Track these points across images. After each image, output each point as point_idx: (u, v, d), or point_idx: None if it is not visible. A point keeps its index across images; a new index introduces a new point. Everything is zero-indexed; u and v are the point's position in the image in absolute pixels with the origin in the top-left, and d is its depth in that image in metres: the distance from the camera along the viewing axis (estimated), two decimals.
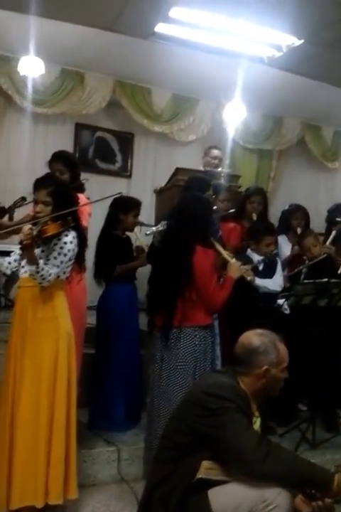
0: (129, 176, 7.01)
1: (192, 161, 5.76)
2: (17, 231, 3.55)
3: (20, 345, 2.72)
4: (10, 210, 4.44)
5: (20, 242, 2.53)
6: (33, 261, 2.55)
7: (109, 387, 3.67)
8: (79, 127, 6.80)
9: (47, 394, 2.66)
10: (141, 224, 4.03)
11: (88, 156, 6.80)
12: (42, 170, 3.41)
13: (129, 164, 7.01)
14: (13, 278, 5.37)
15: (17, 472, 2.63)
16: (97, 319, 3.87)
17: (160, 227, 3.24)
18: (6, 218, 4.43)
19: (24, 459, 2.64)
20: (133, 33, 4.65)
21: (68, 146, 6.29)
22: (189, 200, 3.26)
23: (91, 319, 3.92)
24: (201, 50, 4.98)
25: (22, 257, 2.75)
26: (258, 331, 2.31)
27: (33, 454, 2.63)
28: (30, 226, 2.53)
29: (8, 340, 2.85)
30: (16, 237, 4.57)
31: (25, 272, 2.72)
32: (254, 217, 4.29)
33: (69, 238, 2.74)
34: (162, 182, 5.13)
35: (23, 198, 3.69)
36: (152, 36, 4.70)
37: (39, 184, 2.77)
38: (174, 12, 4.28)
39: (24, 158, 6.43)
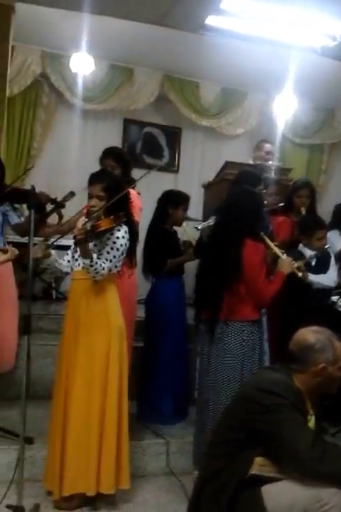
0: (176, 171, 7.02)
1: (240, 155, 5.71)
2: (71, 226, 3.66)
3: (74, 337, 2.78)
4: (59, 206, 4.51)
5: (75, 237, 2.58)
6: (86, 255, 2.60)
7: (158, 381, 3.70)
8: (128, 123, 6.87)
9: (100, 385, 2.71)
10: (189, 219, 4.03)
11: (136, 151, 6.86)
12: (92, 166, 3.46)
13: (176, 159, 7.02)
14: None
15: (69, 460, 2.71)
16: (146, 313, 3.91)
17: (211, 221, 3.23)
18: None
19: (77, 448, 2.71)
20: (184, 26, 4.64)
21: (116, 141, 6.36)
22: (239, 194, 3.23)
23: (140, 313, 3.96)
24: (252, 42, 4.91)
25: (76, 250, 2.81)
26: (314, 327, 2.26)
27: (85, 443, 2.70)
28: (84, 221, 2.57)
29: (61, 331, 2.91)
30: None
31: (79, 264, 2.78)
32: (303, 211, 4.20)
33: (122, 233, 2.78)
34: (209, 176, 5.11)
35: (72, 193, 3.74)
36: (202, 29, 4.67)
37: (93, 179, 2.82)
38: (225, 3, 4.24)
39: (74, 155, 6.56)
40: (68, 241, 3.82)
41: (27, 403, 2.53)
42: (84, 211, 3.35)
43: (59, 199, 4.37)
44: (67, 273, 2.96)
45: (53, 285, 5.79)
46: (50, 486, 2.81)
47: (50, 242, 2.93)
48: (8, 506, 2.54)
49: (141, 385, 3.72)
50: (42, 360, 3.93)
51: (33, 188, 2.68)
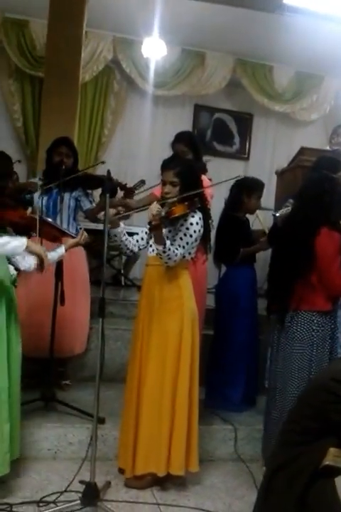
0: (247, 158, 6.92)
1: (314, 140, 5.55)
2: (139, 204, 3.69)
3: (148, 322, 2.81)
4: (129, 193, 4.56)
5: (149, 223, 2.58)
6: (160, 241, 2.60)
7: (228, 369, 3.68)
8: (198, 109, 6.84)
9: (172, 369, 2.73)
10: (262, 208, 3.95)
11: (206, 138, 6.82)
12: (162, 153, 3.46)
13: (247, 146, 6.92)
14: (133, 258, 5.63)
15: (142, 441, 2.76)
16: (216, 302, 3.89)
17: (290, 207, 3.14)
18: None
19: (149, 429, 2.75)
20: (261, 6, 4.52)
21: (187, 128, 6.32)
22: (316, 179, 3.11)
23: (209, 301, 3.94)
24: (332, 22, 4.69)
25: (149, 236, 2.82)
26: None
27: (157, 425, 2.74)
28: (158, 207, 2.57)
29: (135, 316, 2.95)
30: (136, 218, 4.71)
31: (153, 250, 2.79)
32: None
33: (196, 219, 2.76)
34: (281, 164, 4.99)
35: (143, 181, 3.75)
36: (280, 9, 4.52)
37: (167, 165, 2.81)
38: None
39: (144, 141, 6.62)
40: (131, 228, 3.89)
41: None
42: (155, 193, 3.38)
43: (129, 186, 4.42)
44: (132, 251, 2.95)
45: (122, 271, 5.89)
46: (123, 465, 2.88)
47: (120, 214, 2.93)
48: (81, 482, 2.63)
49: (210, 373, 3.71)
50: (113, 344, 4.01)
51: (109, 172, 2.70)
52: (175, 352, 2.74)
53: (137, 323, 2.89)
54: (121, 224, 2.87)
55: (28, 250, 2.41)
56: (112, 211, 2.86)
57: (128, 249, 2.92)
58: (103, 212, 2.70)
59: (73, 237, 3.02)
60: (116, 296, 5.12)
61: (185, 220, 2.75)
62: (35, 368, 3.53)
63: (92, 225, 4.40)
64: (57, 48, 4.58)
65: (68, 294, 3.22)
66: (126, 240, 2.88)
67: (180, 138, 3.60)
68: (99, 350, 2.58)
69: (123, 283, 5.82)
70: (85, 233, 2.98)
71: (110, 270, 5.75)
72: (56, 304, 3.23)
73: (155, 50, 5.97)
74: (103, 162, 3.70)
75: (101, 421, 3.03)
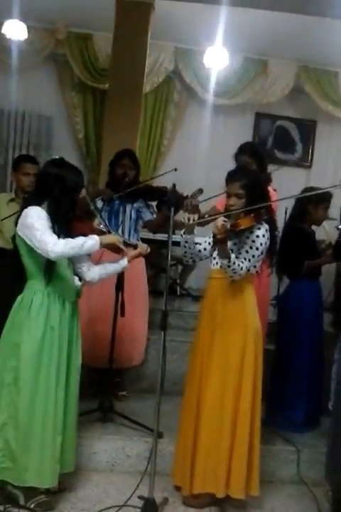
0: (309, 166, 6.74)
1: None
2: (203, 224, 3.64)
3: (209, 337, 2.73)
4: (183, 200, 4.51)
5: (214, 236, 2.52)
6: (225, 255, 2.53)
7: (290, 387, 3.53)
8: (259, 117, 6.73)
9: (234, 387, 2.64)
10: (329, 218, 3.79)
11: (267, 146, 6.70)
12: (221, 162, 3.40)
13: (310, 154, 6.73)
14: (189, 267, 5.59)
15: (200, 459, 2.67)
16: (279, 316, 3.75)
17: None
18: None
19: (208, 447, 2.67)
20: (327, 13, 4.36)
21: (247, 136, 6.25)
22: None
23: (270, 314, 3.82)
24: None
25: (213, 248, 2.76)
26: None
27: (216, 443, 2.65)
28: (223, 219, 2.50)
29: (193, 328, 2.90)
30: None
31: (217, 263, 2.72)
32: None
33: (262, 232, 2.67)
34: None
35: (200, 190, 3.69)
36: None
37: (232, 177, 2.73)
38: None
39: (203, 150, 6.56)
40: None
41: (154, 397, 2.54)
42: (218, 207, 3.31)
43: (187, 196, 4.36)
44: (194, 261, 2.89)
45: (178, 281, 5.85)
46: (180, 482, 2.81)
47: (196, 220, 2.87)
48: (140, 497, 2.59)
49: (272, 390, 3.58)
50: (170, 356, 3.87)
51: (174, 186, 2.68)
52: (238, 369, 2.65)
53: (197, 337, 2.82)
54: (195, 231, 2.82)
55: (103, 244, 2.47)
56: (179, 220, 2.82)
57: (192, 258, 2.86)
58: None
59: (135, 248, 3.00)
60: (171, 306, 5.08)
61: (251, 233, 2.67)
62: (93, 376, 3.56)
63: (151, 235, 4.39)
64: (122, 60, 4.64)
65: (128, 305, 3.21)
66: (194, 248, 2.83)
67: (244, 149, 3.52)
68: (160, 364, 2.53)
69: (178, 293, 5.77)
70: (144, 245, 2.95)
71: (163, 280, 5.73)
72: (116, 315, 3.23)
73: (217, 59, 5.92)
74: (175, 169, 3.65)
75: (159, 435, 2.98)
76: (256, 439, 2.73)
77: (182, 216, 2.79)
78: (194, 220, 2.69)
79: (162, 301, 2.59)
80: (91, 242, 2.41)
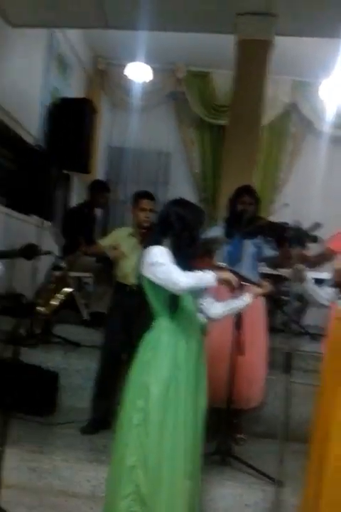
0: None
1: None
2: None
3: (332, 382, 2.56)
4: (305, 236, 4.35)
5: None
6: None
7: None
8: None
9: None
10: None
11: None
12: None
13: None
14: (305, 302, 5.35)
15: None
16: None
17: None
18: None
19: (330, 507, 2.46)
20: None
21: None
22: None
23: None
24: None
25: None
26: None
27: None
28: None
29: (313, 370, 2.74)
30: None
31: None
32: None
33: None
34: None
35: (318, 224, 3.53)
36: None
37: None
38: None
39: (319, 183, 6.36)
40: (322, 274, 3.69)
41: (273, 443, 2.42)
42: (332, 247, 3.15)
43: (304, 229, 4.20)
44: (323, 305, 2.76)
45: (294, 318, 5.62)
46: None
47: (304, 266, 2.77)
48: None
49: None
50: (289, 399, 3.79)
51: (298, 222, 2.58)
52: None
53: (323, 381, 2.65)
54: (308, 276, 2.71)
55: (219, 280, 2.41)
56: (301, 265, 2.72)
57: (315, 301, 2.74)
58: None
59: (256, 286, 2.93)
60: (288, 345, 4.86)
61: None
62: (211, 417, 3.49)
63: (269, 270, 4.28)
64: (241, 97, 4.67)
65: (247, 344, 3.12)
66: (314, 292, 2.70)
67: None
68: (283, 408, 2.41)
69: (296, 331, 5.53)
70: (269, 285, 2.87)
71: (281, 316, 5.54)
72: (235, 353, 3.15)
73: (334, 90, 5.76)
74: (286, 204, 3.57)
75: (280, 484, 2.83)
76: None
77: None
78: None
79: (277, 339, 2.48)
80: (208, 277, 2.38)
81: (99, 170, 6.89)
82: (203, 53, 5.89)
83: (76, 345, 4.26)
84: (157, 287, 2.41)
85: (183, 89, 6.46)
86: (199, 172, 6.68)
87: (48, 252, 3.89)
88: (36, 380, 3.64)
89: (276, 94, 6.35)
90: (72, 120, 5.43)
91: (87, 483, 2.93)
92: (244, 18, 4.49)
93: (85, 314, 4.74)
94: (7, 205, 5.11)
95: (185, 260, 2.44)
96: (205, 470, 2.97)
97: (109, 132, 7.02)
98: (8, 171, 5.34)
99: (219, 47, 5.50)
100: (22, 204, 5.10)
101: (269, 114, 6.32)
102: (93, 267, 4.72)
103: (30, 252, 2.01)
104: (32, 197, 5.07)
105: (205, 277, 2.37)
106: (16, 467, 2.92)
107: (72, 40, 6.11)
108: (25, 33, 4.91)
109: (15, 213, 5.21)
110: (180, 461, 2.36)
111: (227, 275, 2.49)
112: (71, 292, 4.35)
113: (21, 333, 3.83)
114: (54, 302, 4.15)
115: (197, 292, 2.50)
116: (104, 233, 5.64)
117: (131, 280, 3.50)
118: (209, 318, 2.63)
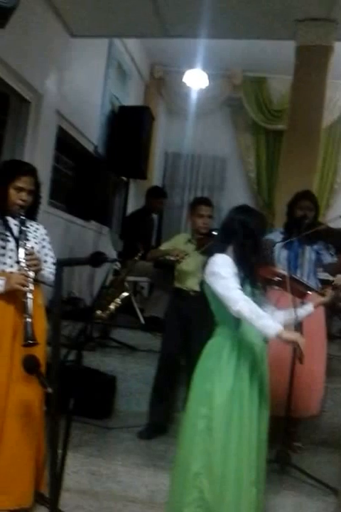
0: None
1: None
2: None
3: None
4: None
5: None
6: None
7: None
8: None
9: None
10: None
11: None
12: None
13: None
14: None
15: None
16: None
17: None
18: None
19: None
20: None
21: None
22: None
23: None
24: None
25: None
26: None
27: None
28: None
29: None
30: None
31: None
32: None
33: None
34: None
35: None
36: None
37: None
38: None
39: None
40: None
41: (332, 451, 2.37)
42: None
43: None
44: None
45: None
46: None
47: None
48: None
49: None
50: None
51: None
52: None
53: None
54: None
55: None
56: None
57: None
58: None
59: (318, 293, 2.88)
60: None
61: None
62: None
63: (325, 276, 4.19)
64: (300, 102, 4.62)
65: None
66: None
67: None
68: None
69: None
70: (332, 292, 2.81)
71: (337, 323, 5.40)
72: (294, 361, 3.11)
73: None
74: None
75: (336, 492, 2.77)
76: None
77: None
78: None
79: (334, 346, 2.41)
80: (269, 323, 2.24)
81: (156, 175, 6.98)
82: (259, 59, 5.87)
83: (133, 349, 4.34)
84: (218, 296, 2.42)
85: (239, 95, 6.45)
86: (255, 177, 6.65)
87: (115, 260, 4.00)
88: (95, 383, 3.71)
89: (334, 98, 6.23)
90: (130, 128, 5.56)
91: (145, 488, 2.95)
92: (304, 25, 4.46)
93: (142, 319, 4.81)
94: (68, 212, 5.27)
95: (249, 268, 2.42)
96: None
97: (165, 138, 7.10)
98: (69, 179, 5.50)
99: (275, 52, 5.47)
100: (82, 210, 5.25)
101: (327, 117, 6.18)
102: (150, 272, 4.78)
103: (99, 259, 2.07)
104: (91, 203, 5.21)
105: (264, 322, 2.25)
106: (76, 471, 2.98)
107: (131, 48, 6.23)
108: (85, 43, 5.05)
109: (75, 219, 5.36)
110: (246, 469, 2.34)
111: (294, 336, 2.32)
112: (128, 296, 4.43)
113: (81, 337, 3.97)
114: (112, 306, 4.23)
115: (258, 301, 2.44)
116: (159, 238, 5.72)
117: (189, 285, 3.55)
118: None
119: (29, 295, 2.52)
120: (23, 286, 2.51)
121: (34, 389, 2.47)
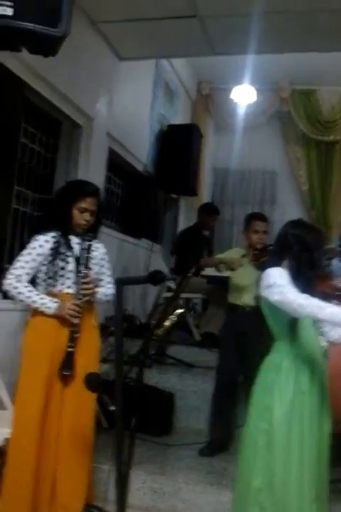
0: None
1: None
2: None
3: None
4: None
5: None
6: None
7: None
8: None
9: None
10: None
11: None
12: None
13: None
14: None
15: None
16: None
17: None
18: None
19: None
20: None
21: None
22: None
23: None
24: None
25: None
26: None
27: None
28: None
29: None
30: None
31: None
32: None
33: None
34: None
35: None
36: None
37: None
38: None
39: None
40: None
41: None
42: None
43: None
44: None
45: None
46: None
47: None
48: None
49: None
50: None
51: None
52: None
53: None
54: None
55: None
56: None
57: None
58: None
59: None
60: None
61: None
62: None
63: None
64: None
65: None
66: None
67: None
68: None
69: None
70: None
71: None
72: None
73: None
74: None
75: None
76: None
77: None
78: None
79: None
80: (334, 310, 2.27)
81: (206, 192, 7.00)
82: (307, 71, 5.81)
83: (190, 366, 4.33)
84: (276, 310, 2.38)
85: (287, 108, 6.40)
86: (307, 190, 6.54)
87: (173, 278, 4.03)
88: (155, 400, 3.73)
89: None
90: (179, 145, 5.60)
91: (208, 506, 2.92)
92: None
93: (197, 335, 4.80)
94: (121, 231, 5.35)
95: (305, 283, 2.38)
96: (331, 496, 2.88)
97: (214, 154, 7.12)
98: (120, 198, 5.60)
99: (323, 63, 5.39)
100: (134, 229, 5.32)
101: None
102: (204, 288, 4.78)
103: (158, 278, 2.10)
104: (143, 222, 5.28)
105: (335, 310, 2.27)
106: (139, 488, 2.99)
107: (177, 67, 6.31)
108: (132, 65, 5.15)
109: (127, 237, 5.44)
110: (307, 484, 2.30)
111: None
112: (183, 313, 4.44)
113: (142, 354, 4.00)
114: (167, 323, 4.25)
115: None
116: (210, 254, 5.71)
117: (244, 300, 3.52)
118: (330, 342, 2.55)
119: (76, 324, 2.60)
120: (73, 317, 2.59)
121: (86, 407, 2.58)
